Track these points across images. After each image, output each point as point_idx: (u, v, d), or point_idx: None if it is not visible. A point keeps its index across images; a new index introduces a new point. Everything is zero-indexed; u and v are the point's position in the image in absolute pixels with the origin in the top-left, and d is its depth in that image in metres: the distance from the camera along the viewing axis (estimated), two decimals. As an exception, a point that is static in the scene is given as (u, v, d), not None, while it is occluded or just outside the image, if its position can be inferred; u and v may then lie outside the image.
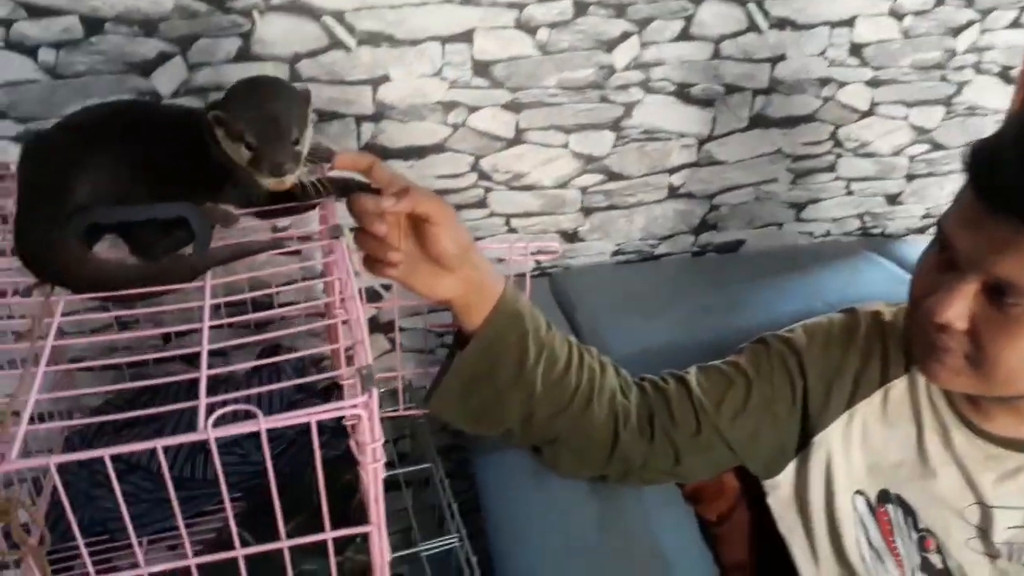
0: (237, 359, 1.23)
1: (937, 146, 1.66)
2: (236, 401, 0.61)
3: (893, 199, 1.71)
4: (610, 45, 1.36)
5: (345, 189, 0.89)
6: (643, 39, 1.37)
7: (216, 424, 0.60)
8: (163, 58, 1.18)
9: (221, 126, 0.82)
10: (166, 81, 1.19)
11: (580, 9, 1.32)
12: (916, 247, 1.63)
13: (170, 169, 0.87)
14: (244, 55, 1.20)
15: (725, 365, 1.06)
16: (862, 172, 1.65)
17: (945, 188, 1.72)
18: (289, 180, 0.82)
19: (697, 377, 1.04)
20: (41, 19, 1.11)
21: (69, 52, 1.14)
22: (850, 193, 1.67)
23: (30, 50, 1.12)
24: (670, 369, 1.07)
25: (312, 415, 0.64)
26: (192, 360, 1.32)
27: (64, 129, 0.88)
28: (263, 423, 0.61)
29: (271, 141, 0.80)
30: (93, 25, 1.13)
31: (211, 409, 0.61)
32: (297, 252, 1.24)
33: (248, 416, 0.60)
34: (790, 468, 1.05)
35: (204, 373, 0.68)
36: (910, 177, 1.68)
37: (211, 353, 0.72)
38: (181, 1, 1.14)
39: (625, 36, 1.36)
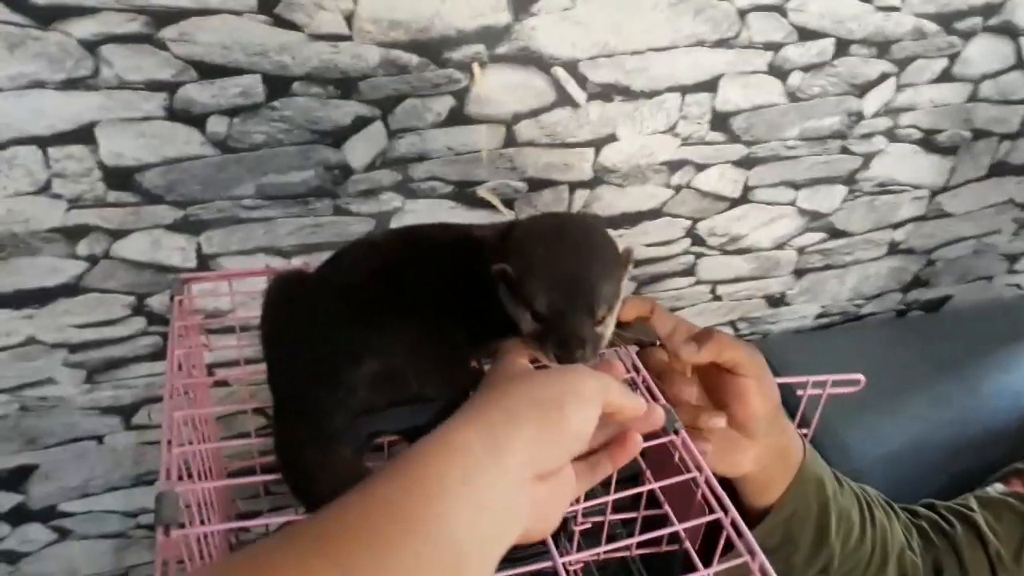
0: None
1: None
2: None
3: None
4: (864, 89, 1.12)
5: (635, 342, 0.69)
6: (900, 81, 1.13)
7: None
8: (361, 123, 0.91)
9: (505, 283, 0.59)
10: (361, 152, 0.93)
11: (841, 48, 1.07)
12: None
13: (458, 327, 0.63)
14: (456, 117, 0.94)
15: (1015, 499, 0.88)
16: (1087, 216, 1.44)
17: None
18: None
19: (985, 516, 0.86)
20: (215, 81, 0.83)
21: (245, 120, 0.86)
22: (1071, 239, 1.46)
23: (198, 119, 0.85)
24: (945, 502, 0.90)
25: None
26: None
27: (338, 285, 0.62)
28: None
29: (567, 317, 0.56)
30: (278, 86, 0.86)
31: None
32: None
33: None
34: None
35: None
36: None
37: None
38: (389, 54, 0.87)
39: (883, 78, 1.12)
